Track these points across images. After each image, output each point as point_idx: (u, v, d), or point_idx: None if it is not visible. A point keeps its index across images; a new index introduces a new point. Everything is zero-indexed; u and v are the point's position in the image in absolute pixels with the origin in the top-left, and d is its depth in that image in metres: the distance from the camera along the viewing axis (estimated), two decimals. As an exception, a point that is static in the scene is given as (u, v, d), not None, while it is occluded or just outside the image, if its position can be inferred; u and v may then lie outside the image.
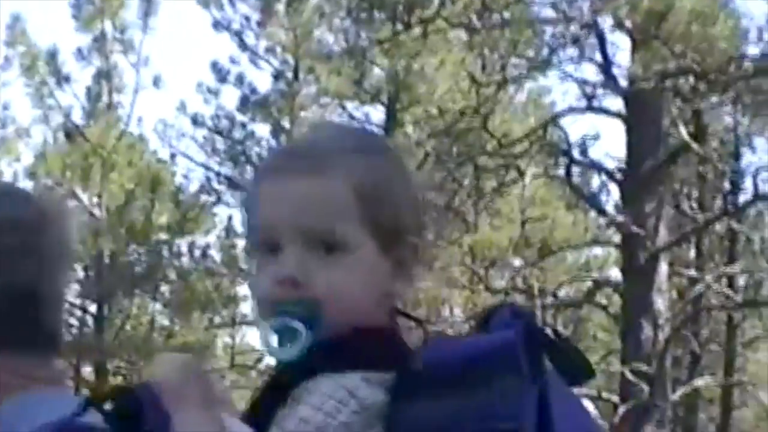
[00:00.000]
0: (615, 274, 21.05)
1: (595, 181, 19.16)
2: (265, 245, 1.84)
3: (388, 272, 1.86)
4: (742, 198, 18.55)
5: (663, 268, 15.93)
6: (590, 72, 16.64)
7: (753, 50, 15.54)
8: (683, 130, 14.05)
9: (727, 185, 19.48)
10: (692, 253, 22.09)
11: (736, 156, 20.24)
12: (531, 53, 16.96)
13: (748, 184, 18.41)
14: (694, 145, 14.39)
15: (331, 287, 1.79)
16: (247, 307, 23.70)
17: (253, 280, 1.90)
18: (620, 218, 15.72)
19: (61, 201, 2.28)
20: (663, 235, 15.91)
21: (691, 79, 15.19)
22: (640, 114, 15.70)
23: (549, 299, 17.81)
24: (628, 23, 14.82)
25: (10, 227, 2.03)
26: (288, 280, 1.78)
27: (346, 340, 1.78)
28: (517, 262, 20.12)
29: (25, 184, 22.83)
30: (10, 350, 1.99)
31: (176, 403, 1.71)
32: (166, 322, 24.32)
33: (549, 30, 16.36)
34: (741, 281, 21.22)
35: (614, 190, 18.10)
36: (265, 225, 1.85)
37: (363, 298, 1.83)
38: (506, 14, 16.37)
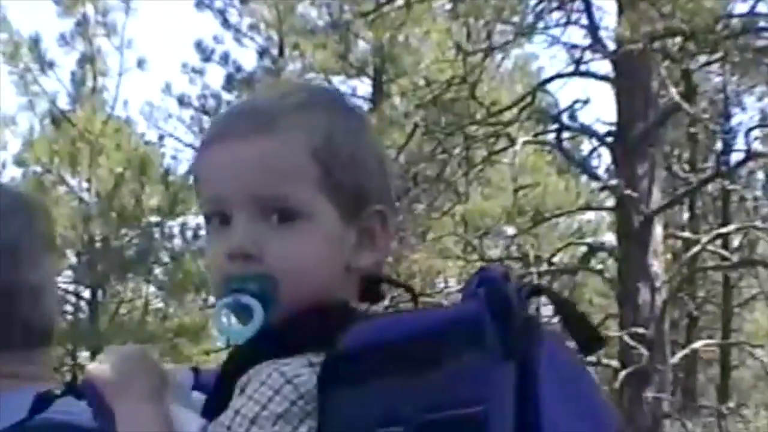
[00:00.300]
0: (609, 238, 21.14)
1: (586, 145, 19.09)
2: (214, 216, 1.70)
3: (352, 243, 1.70)
4: (734, 157, 18.47)
5: (658, 230, 15.84)
6: (577, 37, 16.57)
7: (740, 8, 15.48)
8: (673, 91, 13.93)
9: (719, 145, 19.42)
10: (685, 215, 22.11)
11: (727, 116, 20.21)
12: (516, 19, 16.81)
13: (739, 143, 18.48)
14: (686, 106, 14.28)
15: (286, 260, 1.64)
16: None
17: (207, 254, 1.74)
18: (613, 182, 15.62)
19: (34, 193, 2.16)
20: (656, 198, 15.81)
21: (679, 39, 15.11)
22: (629, 77, 15.58)
23: (544, 266, 17.71)
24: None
25: None
26: (237, 252, 1.64)
27: (295, 320, 1.63)
28: (511, 230, 20.07)
29: (13, 172, 22.75)
30: None
31: (117, 396, 1.63)
32: (160, 305, 24.23)
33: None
34: (736, 241, 21.20)
35: (605, 155, 18.09)
36: (212, 194, 1.71)
37: (322, 271, 1.67)
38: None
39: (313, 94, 1.80)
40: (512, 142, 16.70)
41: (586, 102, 15.66)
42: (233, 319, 1.64)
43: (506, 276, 1.52)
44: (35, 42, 21.29)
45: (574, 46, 15.58)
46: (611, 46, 15.57)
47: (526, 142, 16.98)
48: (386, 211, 1.74)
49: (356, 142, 1.75)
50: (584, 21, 15.86)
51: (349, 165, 1.71)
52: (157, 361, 1.72)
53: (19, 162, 22.35)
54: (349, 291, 1.71)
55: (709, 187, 19.55)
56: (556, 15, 16.20)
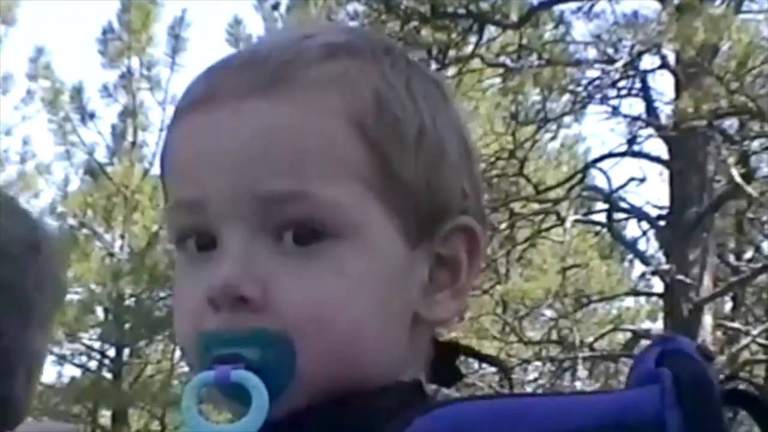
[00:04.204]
0: (650, 326, 20.68)
1: (633, 228, 18.59)
2: (189, 235, 1.05)
3: (422, 281, 1.05)
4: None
5: (707, 319, 15.30)
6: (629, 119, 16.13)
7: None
8: (735, 172, 13.37)
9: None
10: (727, 306, 21.56)
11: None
12: (569, 96, 16.37)
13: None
14: (749, 188, 13.69)
15: (309, 307, 0.99)
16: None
17: (175, 296, 1.08)
18: (664, 267, 15.07)
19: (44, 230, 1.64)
20: (707, 286, 15.28)
21: (739, 119, 14.66)
22: (684, 158, 15.11)
23: (585, 351, 17.16)
24: (671, 59, 14.30)
25: None
26: (226, 293, 0.99)
27: (326, 414, 1.00)
28: (549, 312, 19.66)
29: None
30: None
31: None
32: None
33: (589, 72, 15.80)
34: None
35: (652, 238, 17.64)
36: (186, 198, 1.04)
37: (372, 328, 1.02)
38: (545, 55, 15.75)
39: (354, 36, 1.12)
40: (561, 220, 16.17)
41: (642, 180, 15.12)
42: (217, 408, 1.06)
43: (705, 354, 0.95)
44: (77, 91, 20.99)
45: (635, 118, 15.02)
46: (665, 126, 15.10)
47: (576, 221, 16.46)
48: (475, 228, 1.10)
49: (427, 114, 1.09)
50: (639, 100, 15.45)
51: (417, 149, 1.06)
52: None
53: (51, 212, 22.01)
54: (417, 362, 1.08)
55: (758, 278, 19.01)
56: (611, 92, 15.74)
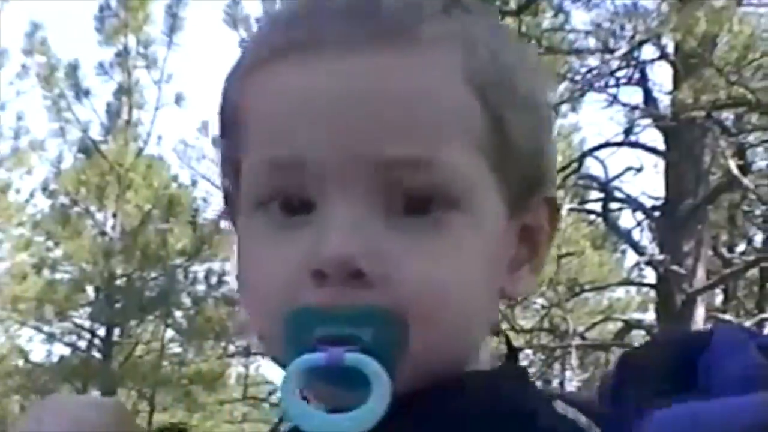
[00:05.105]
0: (641, 316, 20.70)
1: (627, 218, 18.59)
2: (276, 195, 0.96)
3: (512, 254, 1.00)
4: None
5: (700, 311, 15.28)
6: (627, 108, 16.09)
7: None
8: (732, 164, 13.33)
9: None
10: (719, 298, 21.56)
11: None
12: (568, 84, 16.31)
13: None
14: (746, 181, 13.65)
15: (432, 285, 0.91)
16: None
17: (251, 265, 0.98)
18: (659, 257, 15.04)
19: None
20: (700, 277, 15.27)
21: (736, 112, 14.62)
22: (680, 149, 15.07)
23: (577, 340, 17.13)
24: (671, 49, 14.26)
25: None
26: (343, 265, 0.90)
27: (444, 400, 0.92)
28: (541, 301, 19.62)
29: (41, 200, 22.34)
30: None
31: None
32: (178, 350, 23.61)
33: (588, 61, 15.74)
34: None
35: (646, 229, 17.61)
36: (282, 155, 0.95)
37: (479, 306, 0.96)
38: (544, 43, 15.68)
39: None
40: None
41: (639, 170, 15.09)
42: (329, 395, 0.94)
43: None
44: (73, 68, 20.82)
45: (634, 108, 14.97)
46: (663, 116, 15.06)
47: (571, 210, 16.41)
48: (556, 198, 1.06)
49: (529, 75, 1.03)
50: (638, 89, 15.40)
51: (527, 114, 1.00)
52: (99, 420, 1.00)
53: (44, 190, 21.90)
54: (487, 343, 1.03)
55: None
56: (610, 81, 15.69)
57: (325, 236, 0.93)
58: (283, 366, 0.94)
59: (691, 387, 0.98)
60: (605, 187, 15.92)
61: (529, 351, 18.38)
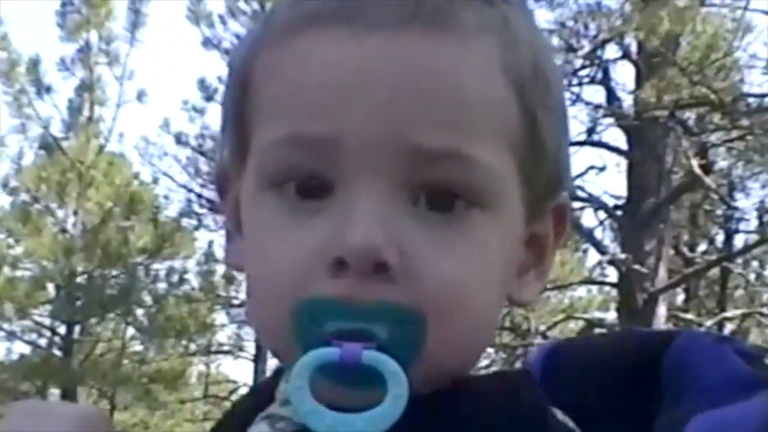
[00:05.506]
0: (602, 315, 20.74)
1: (589, 217, 18.63)
2: (294, 175, 0.89)
3: (521, 259, 0.97)
4: (738, 241, 18.13)
5: (662, 310, 15.32)
6: (590, 107, 16.15)
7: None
8: (695, 163, 13.40)
9: (732, 226, 19.05)
10: (680, 297, 21.69)
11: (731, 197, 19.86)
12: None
13: (742, 226, 18.12)
14: (708, 180, 13.72)
15: (456, 283, 0.87)
16: (224, 336, 23.00)
17: (258, 249, 0.92)
18: (620, 256, 15.08)
19: None
20: (662, 277, 15.32)
21: (698, 112, 14.70)
22: (643, 149, 15.14)
23: (538, 339, 17.16)
24: (634, 49, 14.33)
25: None
26: (369, 255, 0.84)
27: (452, 402, 0.89)
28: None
29: (1, 197, 22.20)
30: None
31: None
32: (138, 348, 23.51)
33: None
34: (728, 326, 20.78)
35: (609, 228, 17.68)
36: (312, 132, 0.88)
37: (494, 307, 0.93)
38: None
39: None
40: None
41: (601, 169, 15.13)
42: (338, 395, 0.88)
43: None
44: (34, 64, 20.63)
45: (597, 106, 15.02)
46: (626, 116, 15.11)
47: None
48: (567, 204, 1.02)
49: (560, 78, 1.02)
50: (600, 89, 15.47)
51: (557, 116, 0.97)
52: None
53: (4, 186, 21.76)
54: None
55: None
56: (573, 80, 15.74)
57: (349, 222, 0.87)
58: (285, 361, 0.91)
59: (649, 387, 0.97)
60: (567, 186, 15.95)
61: (491, 350, 18.41)
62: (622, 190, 15.88)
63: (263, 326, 0.95)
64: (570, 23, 14.62)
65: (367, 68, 0.88)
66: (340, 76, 0.89)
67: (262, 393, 1.01)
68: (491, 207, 0.91)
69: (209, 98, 22.02)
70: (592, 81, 15.20)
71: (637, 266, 14.50)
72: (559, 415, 0.96)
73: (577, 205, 16.68)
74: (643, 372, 0.98)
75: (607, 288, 19.83)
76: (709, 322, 16.73)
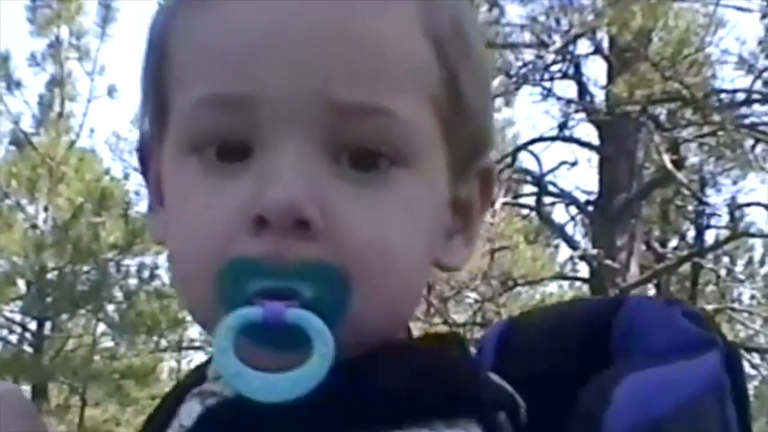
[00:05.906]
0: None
1: (561, 212, 18.70)
2: (214, 139, 0.88)
3: (447, 222, 0.95)
4: (709, 236, 18.22)
5: (633, 305, 15.37)
6: (562, 102, 16.18)
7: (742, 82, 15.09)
8: (666, 159, 13.44)
9: (703, 222, 19.10)
10: (651, 292, 21.78)
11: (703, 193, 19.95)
12: (503, 78, 16.36)
13: (713, 222, 18.19)
14: (679, 175, 13.77)
15: (380, 241, 0.86)
16: (196, 332, 22.94)
17: (181, 213, 0.90)
18: (592, 251, 15.11)
19: None
20: (634, 272, 15.36)
21: (669, 108, 14.75)
22: (614, 144, 15.17)
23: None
24: (605, 44, 14.36)
25: None
26: (291, 212, 0.83)
27: (391, 363, 0.88)
28: (474, 295, 19.67)
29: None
30: None
31: None
32: (109, 344, 23.43)
33: (523, 56, 15.79)
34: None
35: (580, 223, 17.72)
36: (230, 92, 0.87)
37: (420, 269, 0.91)
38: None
39: None
40: (492, 202, 16.15)
41: (573, 164, 15.16)
42: (263, 357, 0.85)
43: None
44: (4, 59, 20.49)
45: (569, 101, 15.05)
46: (596, 111, 15.15)
47: (504, 204, 16.45)
48: (493, 168, 1.01)
49: (481, 38, 1.01)
50: (572, 84, 15.50)
51: (479, 74, 0.96)
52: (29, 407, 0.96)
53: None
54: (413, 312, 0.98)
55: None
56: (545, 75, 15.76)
57: (270, 180, 0.86)
58: (211, 328, 0.88)
59: (600, 352, 0.98)
60: (539, 181, 15.97)
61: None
62: (594, 185, 15.93)
63: (187, 292, 0.93)
64: (542, 18, 14.65)
65: (282, 26, 0.88)
66: (255, 35, 0.89)
67: (200, 373, 1.01)
68: (414, 165, 0.90)
69: (180, 93, 22.03)
70: (564, 76, 15.23)
71: (608, 262, 14.53)
72: (495, 378, 0.96)
73: (548, 200, 16.72)
74: (593, 338, 0.99)
75: (578, 283, 19.86)
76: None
